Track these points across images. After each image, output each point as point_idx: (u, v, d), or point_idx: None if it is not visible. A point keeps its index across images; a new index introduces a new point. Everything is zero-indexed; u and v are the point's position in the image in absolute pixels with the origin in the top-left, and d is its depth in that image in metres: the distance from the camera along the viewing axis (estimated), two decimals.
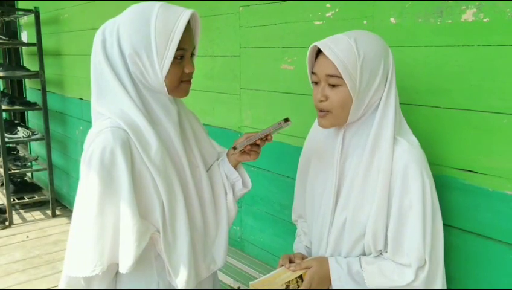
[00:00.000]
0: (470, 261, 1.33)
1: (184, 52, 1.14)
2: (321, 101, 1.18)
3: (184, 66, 1.16)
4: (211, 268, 1.29)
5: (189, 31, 1.14)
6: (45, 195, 4.31)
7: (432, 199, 1.15)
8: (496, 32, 1.19)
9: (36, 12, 3.89)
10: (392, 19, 1.42)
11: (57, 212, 4.21)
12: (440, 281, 1.16)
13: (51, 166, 4.17)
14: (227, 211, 1.34)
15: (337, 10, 1.61)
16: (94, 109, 1.18)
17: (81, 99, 3.69)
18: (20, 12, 4.21)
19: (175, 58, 1.11)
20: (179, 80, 1.17)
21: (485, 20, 1.20)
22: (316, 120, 1.31)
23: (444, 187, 1.19)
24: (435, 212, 1.16)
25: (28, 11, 3.96)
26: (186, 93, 1.21)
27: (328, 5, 1.64)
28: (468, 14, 1.23)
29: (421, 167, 1.14)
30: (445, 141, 1.33)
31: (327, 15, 1.64)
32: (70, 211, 4.26)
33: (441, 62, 1.32)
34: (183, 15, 1.10)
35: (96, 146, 1.08)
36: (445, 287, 1.20)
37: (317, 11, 1.68)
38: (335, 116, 1.18)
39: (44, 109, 4.06)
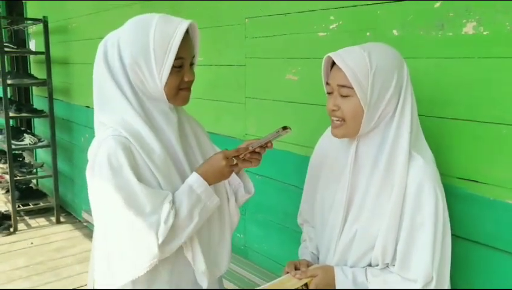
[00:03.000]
0: (472, 270, 1.35)
1: (183, 61, 1.18)
2: (333, 110, 1.20)
3: (183, 75, 1.19)
4: (215, 273, 1.31)
5: (187, 40, 1.18)
6: (50, 202, 4.34)
7: (444, 216, 1.16)
8: (496, 45, 1.22)
9: (45, 22, 3.96)
10: (395, 31, 1.46)
11: (62, 219, 4.24)
12: None
13: (56, 173, 4.20)
14: (230, 217, 1.36)
15: (340, 22, 1.65)
16: (96, 118, 1.23)
17: (87, 107, 3.74)
18: (29, 22, 4.28)
19: (174, 67, 1.15)
20: (178, 88, 1.20)
21: (484, 33, 1.24)
22: (328, 129, 1.34)
23: (447, 196, 1.20)
24: (446, 230, 1.17)
25: (37, 20, 4.03)
26: (185, 101, 1.24)
27: (331, 17, 1.67)
28: (469, 27, 1.26)
29: (435, 185, 1.15)
30: (447, 151, 1.35)
31: (331, 27, 1.68)
32: (75, 218, 4.30)
33: (442, 74, 1.35)
34: (180, 25, 1.14)
35: (101, 156, 1.12)
36: None
37: (321, 23, 1.71)
38: (348, 126, 1.19)
39: (51, 117, 4.11)
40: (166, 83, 1.16)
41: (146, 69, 1.14)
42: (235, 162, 1.23)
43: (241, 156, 1.25)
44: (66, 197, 4.41)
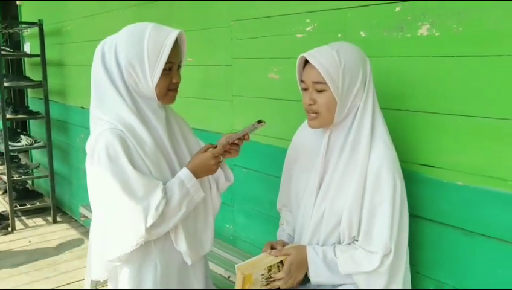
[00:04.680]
0: (429, 245, 1.49)
1: (172, 65, 1.34)
2: (310, 104, 1.35)
3: (172, 77, 1.35)
4: (199, 253, 1.45)
5: (176, 47, 1.34)
6: (46, 202, 4.41)
7: (401, 196, 1.31)
8: (446, 45, 1.36)
9: (40, 25, 4.03)
10: (362, 33, 1.60)
11: (58, 219, 4.32)
12: (403, 268, 1.33)
13: (52, 173, 4.28)
14: (213, 203, 1.50)
15: (315, 25, 1.79)
16: (93, 114, 1.37)
17: (82, 108, 3.85)
18: (24, 25, 4.37)
19: (164, 70, 1.30)
20: (167, 89, 1.36)
21: (436, 34, 1.38)
22: (304, 123, 1.49)
23: (407, 181, 1.35)
24: (403, 208, 1.32)
25: (33, 23, 4.11)
26: (172, 100, 1.40)
27: (307, 20, 1.82)
28: (423, 29, 1.41)
29: (393, 168, 1.30)
30: (407, 140, 1.49)
31: (307, 29, 1.83)
32: (71, 218, 4.37)
33: (402, 70, 1.49)
34: (171, 34, 1.30)
35: (100, 147, 1.27)
36: (409, 275, 1.36)
37: (299, 25, 1.86)
38: (323, 117, 1.35)
39: (47, 118, 4.19)
40: (157, 84, 1.31)
41: (140, 72, 1.29)
42: (221, 159, 1.39)
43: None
44: (62, 197, 4.49)
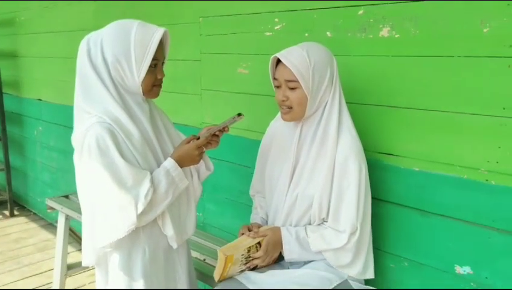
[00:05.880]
0: (388, 225, 1.66)
1: (157, 62, 1.41)
2: (283, 100, 1.48)
3: (157, 73, 1.43)
4: (183, 237, 1.55)
5: (161, 45, 1.41)
6: (2, 195, 4.32)
7: (366, 181, 1.47)
8: (404, 46, 1.52)
9: None
10: (328, 33, 1.74)
11: (15, 212, 4.25)
12: (366, 245, 1.49)
13: (8, 167, 4.19)
14: (194, 191, 1.61)
15: (284, 24, 1.91)
16: (80, 107, 1.41)
17: (39, 100, 3.76)
18: None
19: (150, 66, 1.38)
20: (153, 84, 1.43)
21: (396, 36, 1.54)
22: (278, 115, 1.62)
23: (369, 167, 1.51)
24: (367, 192, 1.48)
25: None
26: (157, 94, 1.49)
27: (276, 20, 1.93)
28: (384, 31, 1.56)
29: (359, 156, 1.45)
30: (369, 130, 1.64)
31: (276, 28, 1.94)
32: (29, 211, 4.30)
33: (365, 68, 1.64)
34: (157, 32, 1.37)
35: (90, 139, 1.33)
36: (371, 250, 1.51)
37: (268, 24, 1.97)
38: (295, 112, 1.48)
39: (1, 110, 4.07)
40: (143, 79, 1.38)
41: (127, 68, 1.36)
42: (204, 150, 1.49)
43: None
44: (18, 191, 4.40)
